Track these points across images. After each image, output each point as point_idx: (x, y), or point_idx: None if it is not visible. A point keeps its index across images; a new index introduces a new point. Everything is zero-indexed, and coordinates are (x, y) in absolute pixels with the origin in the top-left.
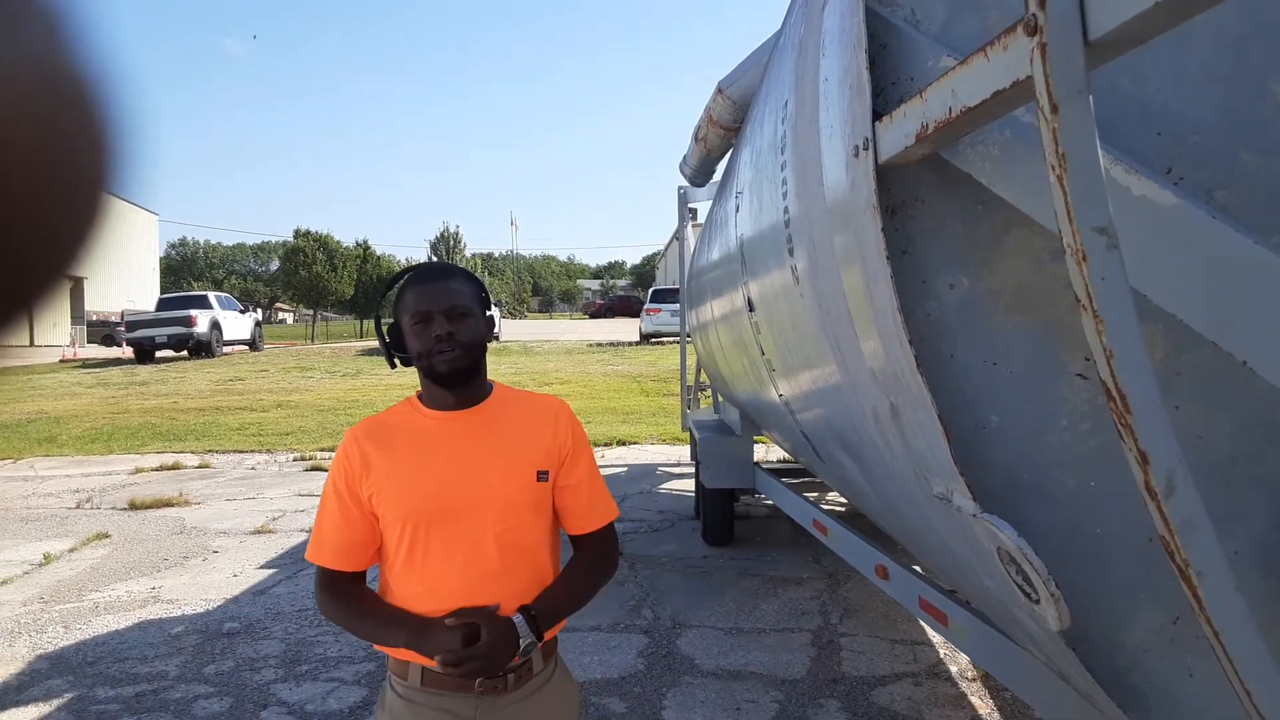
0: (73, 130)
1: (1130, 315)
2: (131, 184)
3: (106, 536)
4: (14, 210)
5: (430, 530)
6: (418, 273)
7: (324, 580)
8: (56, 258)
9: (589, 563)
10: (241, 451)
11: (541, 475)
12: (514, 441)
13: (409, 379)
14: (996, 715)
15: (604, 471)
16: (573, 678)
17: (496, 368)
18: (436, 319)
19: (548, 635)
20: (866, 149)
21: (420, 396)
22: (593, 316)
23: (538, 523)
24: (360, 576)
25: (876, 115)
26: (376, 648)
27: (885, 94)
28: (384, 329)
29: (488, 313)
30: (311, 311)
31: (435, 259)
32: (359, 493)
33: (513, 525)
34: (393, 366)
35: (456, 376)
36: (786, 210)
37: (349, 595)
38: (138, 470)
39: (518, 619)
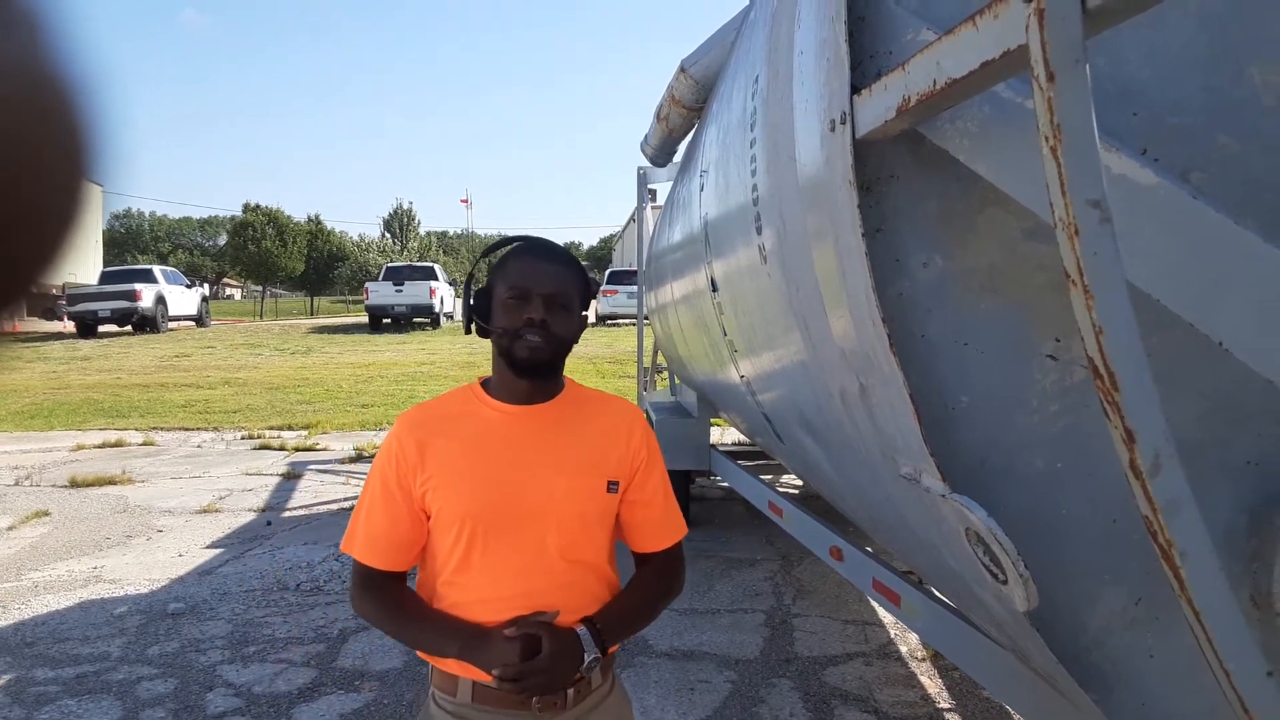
0: (53, 123)
1: (1121, 291)
2: (111, 174)
3: (46, 514)
4: None
5: (489, 536)
6: (530, 245)
7: (362, 578)
8: (40, 250)
9: (656, 580)
10: (187, 429)
11: (612, 486)
12: (586, 446)
13: (362, 358)
14: (945, 694)
15: None
16: (628, 696)
17: (452, 347)
18: (534, 300)
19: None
20: (844, 123)
21: (484, 384)
22: None
23: (602, 536)
24: (402, 576)
25: (854, 89)
26: (421, 656)
27: (863, 67)
28: (472, 291)
29: (584, 311)
30: (260, 288)
31: (388, 236)
32: (410, 488)
33: (577, 537)
34: (467, 332)
35: (534, 368)
36: (755, 188)
37: (391, 596)
38: (79, 447)
39: (582, 631)
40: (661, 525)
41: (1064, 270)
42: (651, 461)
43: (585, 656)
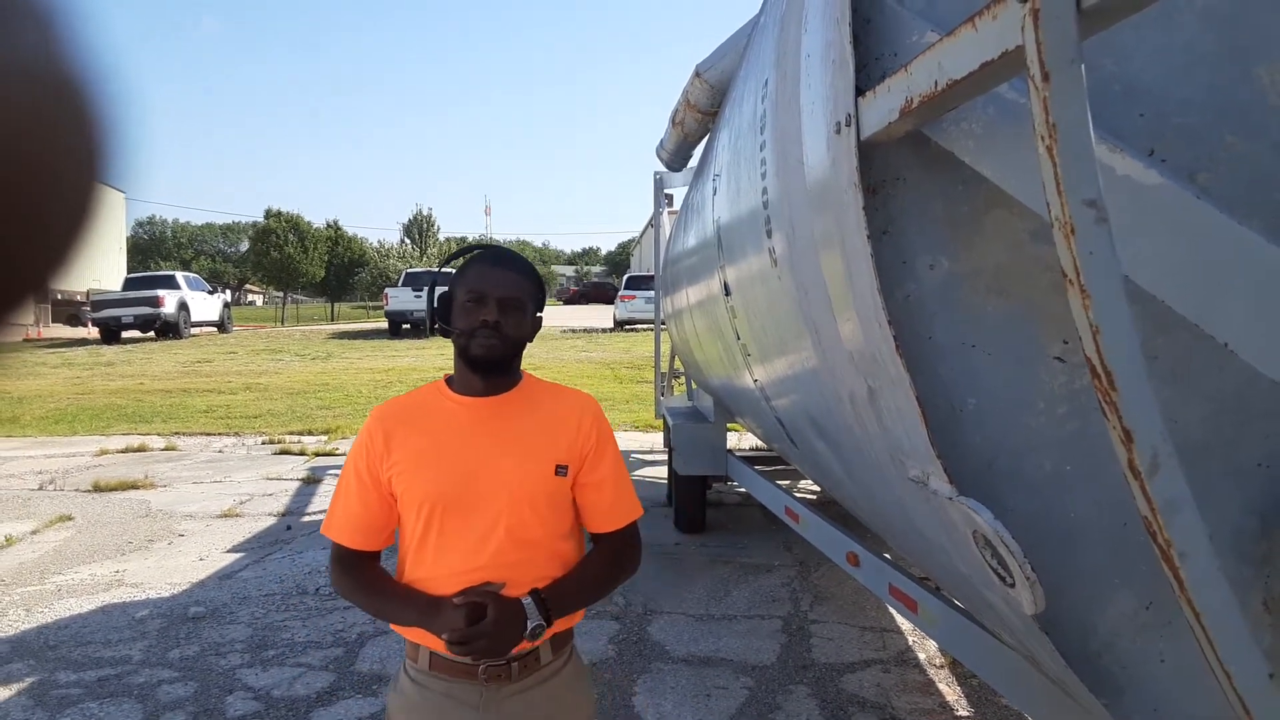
0: (66, 125)
1: (1118, 291)
2: (124, 177)
3: (70, 519)
4: (7, 205)
5: (445, 517)
6: (487, 253)
7: (339, 557)
8: (54, 252)
9: (608, 558)
10: (209, 434)
11: (560, 470)
12: (536, 434)
13: (381, 363)
14: (964, 702)
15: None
16: (589, 676)
17: None
18: (489, 303)
19: (561, 625)
20: (849, 125)
21: (449, 380)
22: (567, 303)
23: (553, 517)
24: (375, 555)
25: (859, 91)
26: (393, 628)
27: (868, 70)
28: (435, 294)
29: (538, 313)
30: (282, 293)
31: (408, 242)
32: (379, 474)
33: (526, 518)
34: (431, 333)
35: (490, 364)
36: (765, 191)
37: (363, 573)
38: (102, 452)
39: (526, 600)
40: (612, 508)
41: (1061, 270)
42: (601, 447)
43: (528, 623)
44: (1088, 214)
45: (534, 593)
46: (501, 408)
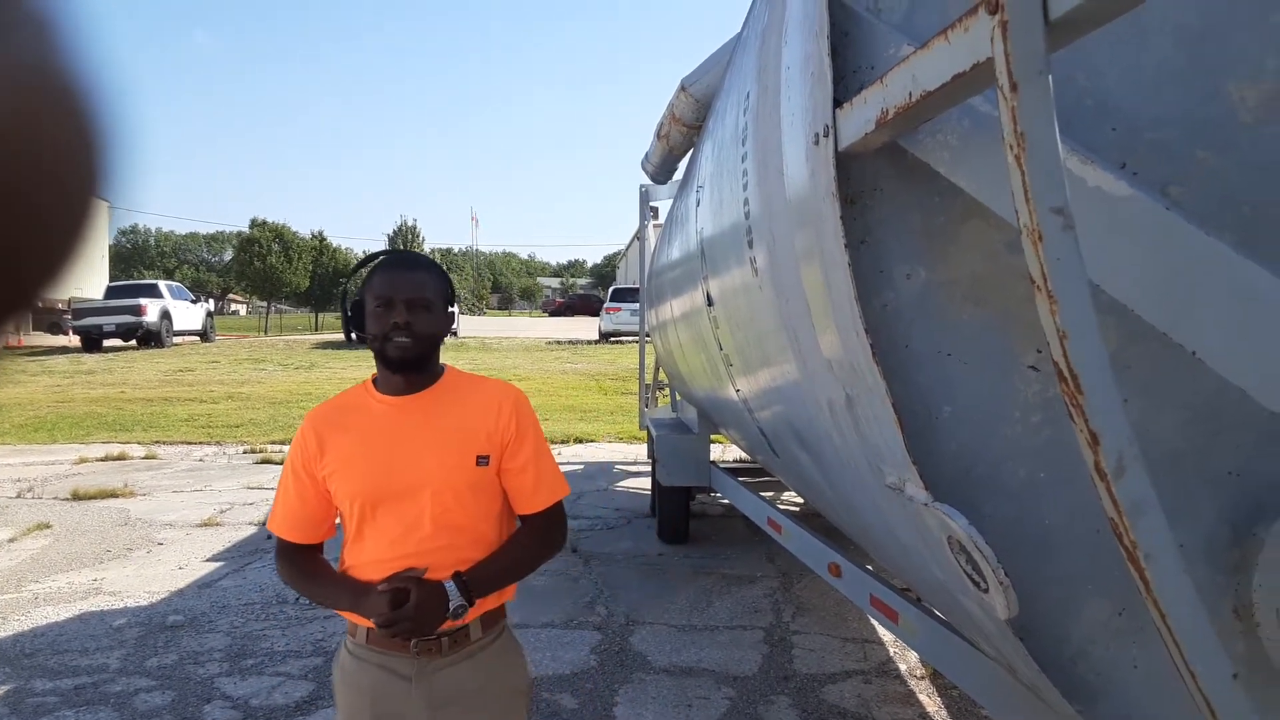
0: (64, 135)
1: (1084, 296)
2: (121, 189)
3: (48, 527)
4: (3, 214)
5: (375, 510)
6: (390, 258)
7: (280, 550)
8: (46, 263)
9: (530, 536)
10: (190, 443)
11: (481, 460)
12: (455, 427)
13: (364, 373)
14: (944, 713)
15: (560, 470)
16: (520, 650)
17: (455, 363)
18: (398, 306)
19: (487, 604)
20: (827, 136)
21: (375, 380)
22: (552, 315)
23: (476, 504)
24: (314, 547)
25: (837, 103)
26: (337, 611)
27: (846, 82)
28: (349, 304)
29: (449, 308)
30: (265, 303)
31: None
32: (314, 473)
33: (449, 506)
34: (348, 340)
35: (406, 364)
36: (746, 202)
37: (302, 563)
38: (81, 460)
39: (449, 583)
40: (535, 491)
41: (1029, 276)
42: (522, 435)
43: (450, 604)
44: (1055, 221)
45: (456, 575)
46: (423, 404)
